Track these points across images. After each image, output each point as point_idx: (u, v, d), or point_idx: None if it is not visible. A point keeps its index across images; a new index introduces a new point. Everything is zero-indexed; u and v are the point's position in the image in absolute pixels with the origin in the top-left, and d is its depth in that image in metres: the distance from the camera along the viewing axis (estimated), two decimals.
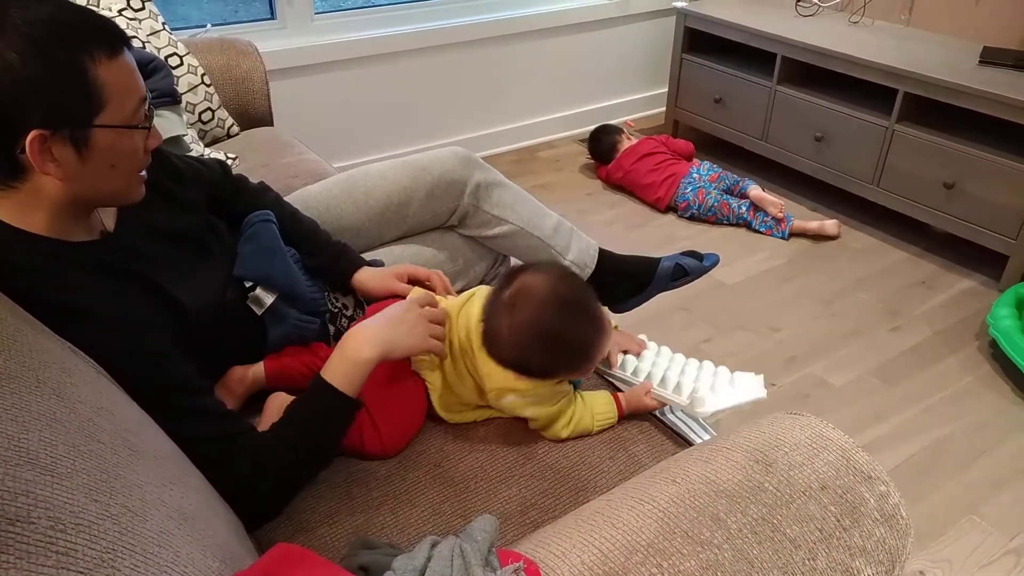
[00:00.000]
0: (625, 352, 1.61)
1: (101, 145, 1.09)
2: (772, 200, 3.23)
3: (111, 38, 1.08)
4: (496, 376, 1.36)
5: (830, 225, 3.16)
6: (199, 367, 1.22)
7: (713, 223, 3.27)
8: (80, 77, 1.04)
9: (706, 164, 3.37)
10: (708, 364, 1.58)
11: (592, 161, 3.74)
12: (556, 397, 1.38)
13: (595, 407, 1.42)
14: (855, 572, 0.88)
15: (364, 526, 1.21)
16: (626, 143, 3.54)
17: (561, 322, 1.30)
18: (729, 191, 3.32)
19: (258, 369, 1.45)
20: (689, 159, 3.51)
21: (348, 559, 1.01)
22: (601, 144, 3.62)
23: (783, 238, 3.15)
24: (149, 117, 1.15)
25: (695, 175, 3.31)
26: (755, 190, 3.27)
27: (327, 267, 1.58)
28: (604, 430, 1.42)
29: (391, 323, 1.33)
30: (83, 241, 1.17)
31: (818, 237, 3.17)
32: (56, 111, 1.04)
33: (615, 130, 3.63)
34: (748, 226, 3.22)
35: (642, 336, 1.67)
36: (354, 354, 1.28)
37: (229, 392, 1.41)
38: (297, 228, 1.59)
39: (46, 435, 0.73)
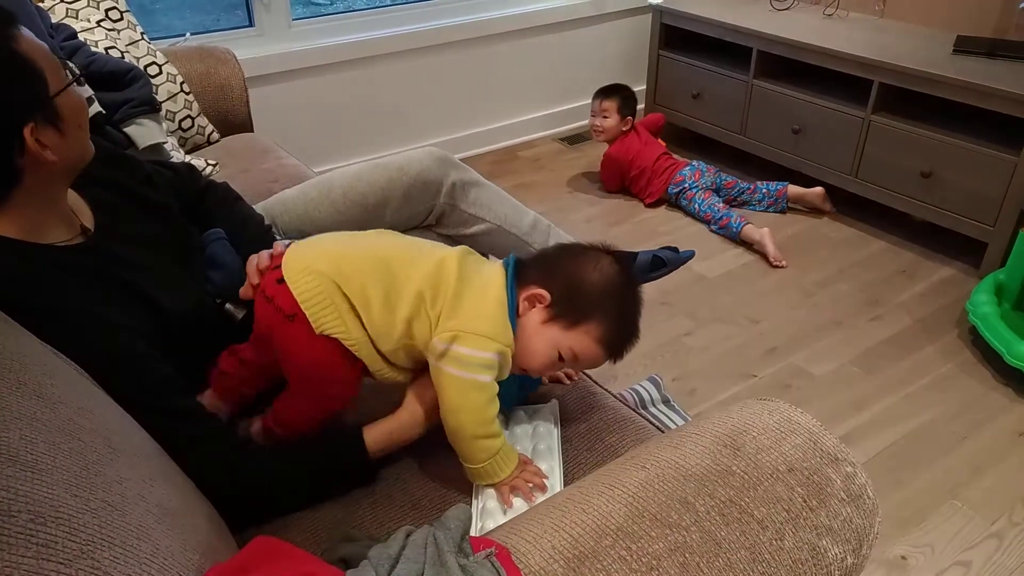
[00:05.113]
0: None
1: (67, 111, 1.14)
2: (815, 192, 3.28)
3: (7, 15, 1.10)
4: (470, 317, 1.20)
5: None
6: (183, 370, 1.22)
7: (690, 200, 3.24)
8: (19, 60, 1.08)
9: (702, 164, 3.36)
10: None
11: (574, 154, 3.70)
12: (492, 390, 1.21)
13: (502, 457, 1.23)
14: (822, 551, 0.90)
15: (344, 520, 1.22)
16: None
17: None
18: (716, 190, 3.32)
19: None
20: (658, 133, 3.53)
21: (328, 552, 1.03)
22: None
23: (734, 233, 3.08)
24: (70, 69, 1.18)
25: (695, 162, 3.34)
26: (794, 188, 3.30)
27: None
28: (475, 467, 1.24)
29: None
30: (60, 245, 1.19)
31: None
32: (27, 100, 1.08)
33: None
34: (710, 222, 3.17)
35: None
36: (409, 434, 1.28)
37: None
38: (241, 244, 1.50)
39: (27, 433, 0.75)
